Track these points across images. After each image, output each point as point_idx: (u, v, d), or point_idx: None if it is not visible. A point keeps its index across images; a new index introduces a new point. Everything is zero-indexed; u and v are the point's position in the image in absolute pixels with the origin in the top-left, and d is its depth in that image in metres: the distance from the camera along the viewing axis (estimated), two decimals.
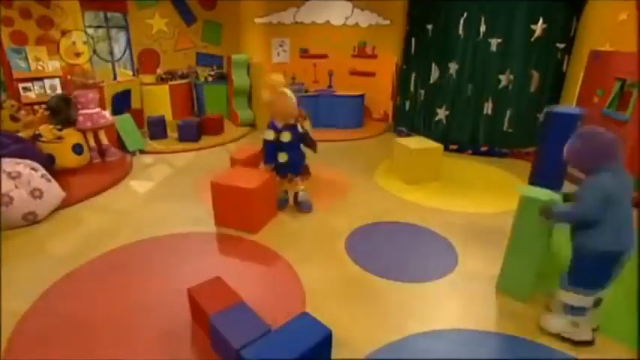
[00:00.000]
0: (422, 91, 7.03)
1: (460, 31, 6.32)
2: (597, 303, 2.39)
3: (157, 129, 6.93)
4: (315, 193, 4.81)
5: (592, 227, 2.19)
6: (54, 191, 4.12)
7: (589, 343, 2.44)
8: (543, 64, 6.22)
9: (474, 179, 5.46)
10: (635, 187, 4.72)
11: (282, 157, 3.99)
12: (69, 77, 5.84)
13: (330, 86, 8.32)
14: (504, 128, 6.49)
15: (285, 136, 3.94)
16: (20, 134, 4.75)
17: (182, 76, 8.44)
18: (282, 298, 2.88)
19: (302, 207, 4.23)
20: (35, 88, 5.75)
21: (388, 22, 8.08)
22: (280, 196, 4.29)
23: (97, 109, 5.54)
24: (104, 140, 5.67)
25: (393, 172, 5.44)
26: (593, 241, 2.21)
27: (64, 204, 4.24)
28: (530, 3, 5.89)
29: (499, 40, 6.10)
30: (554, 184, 2.95)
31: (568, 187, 3.22)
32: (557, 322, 2.48)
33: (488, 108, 6.44)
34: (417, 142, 5.32)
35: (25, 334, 2.51)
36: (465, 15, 6.22)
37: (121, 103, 6.91)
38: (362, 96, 8.04)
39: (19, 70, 5.57)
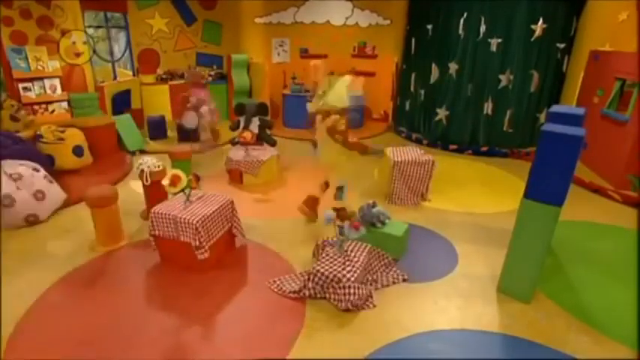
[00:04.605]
0: (422, 91, 7.04)
1: (460, 31, 6.32)
2: None
3: (157, 129, 6.93)
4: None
5: None
6: (56, 193, 4.12)
7: None
8: (543, 64, 6.22)
9: (474, 179, 5.46)
10: (635, 187, 4.77)
11: None
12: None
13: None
14: (504, 128, 6.50)
15: None
16: (20, 134, 4.75)
17: (182, 76, 8.43)
18: (282, 296, 2.88)
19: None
20: (35, 88, 5.74)
21: (388, 22, 8.08)
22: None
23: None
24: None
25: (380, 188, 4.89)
26: None
27: (64, 204, 4.24)
28: (530, 3, 5.89)
29: (499, 40, 6.10)
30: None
31: None
32: None
33: (488, 108, 6.45)
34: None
35: (26, 334, 2.51)
36: (465, 15, 6.23)
37: (121, 103, 6.91)
38: (361, 96, 8.03)
39: (19, 70, 5.57)
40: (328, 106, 3.65)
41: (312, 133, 3.94)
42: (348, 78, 3.83)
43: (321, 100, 3.74)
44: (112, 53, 7.53)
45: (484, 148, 6.53)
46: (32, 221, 3.84)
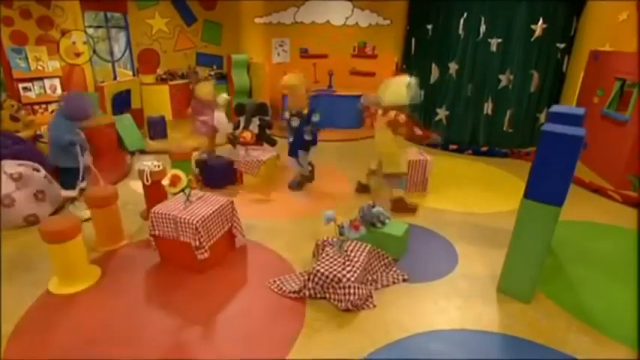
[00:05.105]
0: (422, 91, 7.03)
1: (460, 31, 6.32)
2: None
3: (157, 129, 6.93)
4: (315, 192, 4.83)
5: None
6: (55, 192, 4.12)
7: None
8: (543, 64, 6.22)
9: (474, 179, 5.46)
10: (635, 187, 4.76)
11: (316, 117, 4.60)
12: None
13: (330, 86, 8.32)
14: (504, 128, 6.50)
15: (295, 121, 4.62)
16: (20, 134, 4.74)
17: (182, 76, 8.44)
18: (282, 296, 2.88)
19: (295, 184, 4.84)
20: (35, 88, 5.74)
21: (388, 22, 8.08)
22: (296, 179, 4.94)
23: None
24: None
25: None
26: None
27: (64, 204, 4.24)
28: (530, 3, 5.89)
29: (499, 40, 6.10)
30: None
31: None
32: None
33: (488, 108, 6.45)
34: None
35: (26, 334, 2.51)
36: (465, 15, 6.23)
37: (121, 103, 6.91)
38: (362, 96, 8.03)
39: (19, 70, 5.56)
40: (388, 103, 4.02)
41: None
42: (405, 78, 4.07)
43: (378, 97, 4.13)
44: (112, 53, 7.53)
45: (484, 148, 6.53)
46: (32, 221, 3.83)
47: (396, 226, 3.42)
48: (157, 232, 3.18)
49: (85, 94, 4.26)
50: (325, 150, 6.60)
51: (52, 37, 5.99)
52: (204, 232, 3.03)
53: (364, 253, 3.02)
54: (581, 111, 2.89)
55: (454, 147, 6.67)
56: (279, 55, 8.61)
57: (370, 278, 3.04)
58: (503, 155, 6.43)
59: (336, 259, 2.91)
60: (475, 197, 4.81)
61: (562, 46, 6.22)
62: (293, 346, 2.43)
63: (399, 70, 7.76)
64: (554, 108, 2.97)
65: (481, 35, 6.18)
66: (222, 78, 8.44)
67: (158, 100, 7.73)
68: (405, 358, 2.36)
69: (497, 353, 2.44)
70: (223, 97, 5.41)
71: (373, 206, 3.40)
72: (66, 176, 3.92)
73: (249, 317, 2.69)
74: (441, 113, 6.75)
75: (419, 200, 4.62)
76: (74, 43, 6.22)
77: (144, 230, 3.70)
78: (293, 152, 4.82)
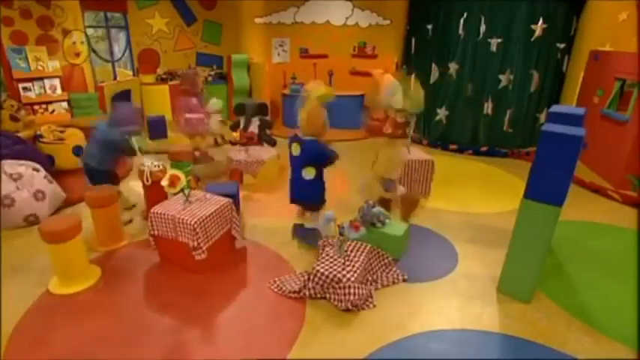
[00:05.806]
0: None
1: (460, 31, 6.32)
2: None
3: (157, 129, 6.93)
4: None
5: None
6: (55, 193, 4.12)
7: None
8: (543, 64, 6.22)
9: (474, 179, 5.46)
10: (635, 187, 4.76)
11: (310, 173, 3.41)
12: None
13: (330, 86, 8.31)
14: (504, 128, 6.50)
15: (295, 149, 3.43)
16: (20, 134, 4.74)
17: (179, 76, 8.43)
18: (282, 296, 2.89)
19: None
20: (35, 88, 5.75)
21: (388, 22, 8.08)
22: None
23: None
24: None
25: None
26: None
27: (64, 204, 4.24)
28: (530, 3, 5.89)
29: (499, 40, 6.10)
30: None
31: None
32: None
33: (488, 108, 6.45)
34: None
35: (26, 334, 2.51)
36: (465, 15, 6.23)
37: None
38: (362, 96, 8.04)
39: (19, 70, 5.57)
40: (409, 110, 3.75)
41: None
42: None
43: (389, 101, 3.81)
44: (112, 53, 7.53)
45: (484, 148, 6.53)
46: (32, 221, 3.83)
47: (396, 226, 3.42)
48: (156, 232, 3.18)
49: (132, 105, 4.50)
50: None
51: (52, 37, 6.00)
52: (201, 233, 3.02)
53: (364, 253, 3.03)
54: (581, 111, 2.89)
55: (454, 147, 6.67)
56: (279, 55, 8.61)
57: (370, 278, 3.04)
58: (503, 155, 6.43)
59: (336, 259, 2.92)
60: (475, 197, 4.81)
61: (562, 46, 6.22)
62: (293, 346, 2.43)
63: (399, 70, 7.77)
64: (554, 108, 2.97)
65: (481, 35, 6.18)
66: (222, 78, 8.44)
67: (158, 100, 7.71)
68: (405, 358, 2.36)
69: (498, 353, 2.44)
70: (219, 102, 5.59)
71: (373, 206, 3.40)
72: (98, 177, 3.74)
73: (249, 317, 2.69)
74: (441, 113, 6.75)
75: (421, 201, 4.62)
76: (74, 43, 6.23)
77: (144, 230, 3.70)
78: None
